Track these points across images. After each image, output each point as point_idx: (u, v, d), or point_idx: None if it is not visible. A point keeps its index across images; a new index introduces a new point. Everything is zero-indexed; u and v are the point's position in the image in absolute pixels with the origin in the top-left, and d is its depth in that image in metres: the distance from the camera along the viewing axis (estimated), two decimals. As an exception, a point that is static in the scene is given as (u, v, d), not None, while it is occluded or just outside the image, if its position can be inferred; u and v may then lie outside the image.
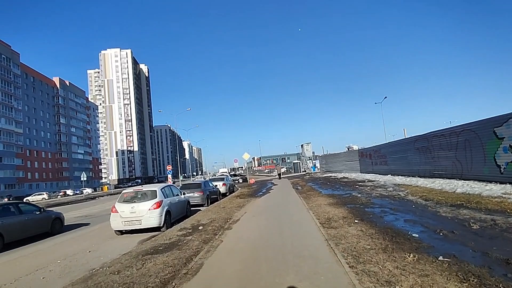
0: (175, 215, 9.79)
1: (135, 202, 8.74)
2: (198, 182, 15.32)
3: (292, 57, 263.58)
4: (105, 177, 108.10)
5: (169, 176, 42.59)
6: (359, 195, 10.98)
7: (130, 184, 76.53)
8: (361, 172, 25.42)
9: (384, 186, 13.50)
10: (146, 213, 8.47)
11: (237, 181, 34.09)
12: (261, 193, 17.05)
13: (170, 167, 41.00)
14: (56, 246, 8.30)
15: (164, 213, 8.76)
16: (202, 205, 13.84)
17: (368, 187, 13.51)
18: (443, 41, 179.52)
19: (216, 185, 17.37)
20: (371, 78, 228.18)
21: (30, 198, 45.02)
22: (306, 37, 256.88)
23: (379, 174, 20.71)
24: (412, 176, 15.56)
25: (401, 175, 17.10)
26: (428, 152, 14.65)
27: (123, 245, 7.45)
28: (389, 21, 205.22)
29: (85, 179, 37.61)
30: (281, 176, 39.28)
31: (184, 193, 11.29)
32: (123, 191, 9.37)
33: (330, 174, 30.51)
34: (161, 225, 8.62)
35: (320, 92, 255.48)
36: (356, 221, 6.25)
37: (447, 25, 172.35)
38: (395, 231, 5.15)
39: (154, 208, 8.56)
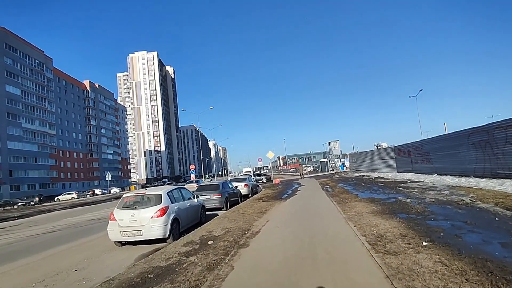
0: (185, 223, 8.32)
1: (136, 208, 7.35)
2: (216, 183, 13.87)
3: (318, 56, 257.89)
4: (133, 177, 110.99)
5: (193, 175, 42.02)
6: (408, 200, 8.91)
7: (157, 184, 77.49)
8: (398, 172, 22.84)
9: (435, 188, 11.23)
10: (148, 221, 7.05)
11: (261, 181, 32.45)
12: (286, 195, 15.29)
13: (193, 167, 40.33)
14: (47, 259, 7.08)
15: (170, 221, 7.29)
16: (220, 209, 12.35)
17: (415, 190, 11.31)
18: (480, 34, 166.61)
19: (236, 186, 15.84)
20: (402, 75, 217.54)
21: (60, 197, 46.37)
22: (333, 34, 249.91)
23: (421, 173, 18.20)
24: (466, 176, 13.09)
25: (451, 175, 14.59)
26: (488, 147, 12.12)
27: (117, 262, 6.09)
28: (423, 14, 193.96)
29: (110, 179, 37.81)
30: (304, 176, 37.90)
31: (197, 196, 9.81)
32: (124, 195, 8.03)
33: (362, 174, 28.02)
34: (167, 236, 7.16)
35: (347, 89, 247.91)
36: (424, 243, 4.34)
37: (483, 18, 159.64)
38: (501, 267, 3.23)
39: (158, 216, 7.11)
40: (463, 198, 8.19)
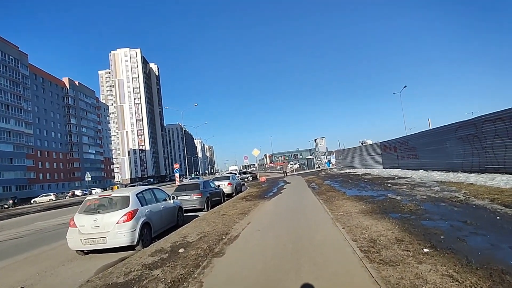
0: (158, 227, 7.51)
1: (99, 212, 6.50)
2: (196, 182, 13.06)
3: (304, 54, 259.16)
4: (117, 177, 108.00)
5: (177, 174, 40.79)
6: (398, 197, 8.41)
7: (141, 183, 75.56)
8: (384, 168, 22.63)
9: (424, 184, 10.84)
10: (114, 227, 6.21)
11: (246, 179, 31.73)
12: (271, 194, 14.65)
13: (177, 166, 39.06)
14: (-5, 273, 6.15)
15: (139, 226, 6.47)
16: (201, 210, 11.58)
17: (404, 186, 10.87)
18: (464, 34, 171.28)
19: (219, 185, 15.07)
20: (387, 73, 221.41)
21: (37, 199, 44.21)
22: (319, 33, 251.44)
23: (408, 169, 17.97)
24: (454, 171, 12.83)
25: (438, 170, 14.35)
26: (476, 141, 11.84)
27: (73, 276, 5.27)
28: (407, 14, 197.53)
29: (89, 179, 36.12)
30: (287, 173, 38.41)
31: (173, 197, 9.00)
32: (87, 198, 7.15)
33: (348, 170, 27.77)
34: (135, 243, 6.35)
35: (333, 87, 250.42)
36: (425, 250, 3.74)
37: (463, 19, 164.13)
38: (523, 281, 2.66)
39: (125, 221, 6.28)
40: (456, 194, 7.75)
